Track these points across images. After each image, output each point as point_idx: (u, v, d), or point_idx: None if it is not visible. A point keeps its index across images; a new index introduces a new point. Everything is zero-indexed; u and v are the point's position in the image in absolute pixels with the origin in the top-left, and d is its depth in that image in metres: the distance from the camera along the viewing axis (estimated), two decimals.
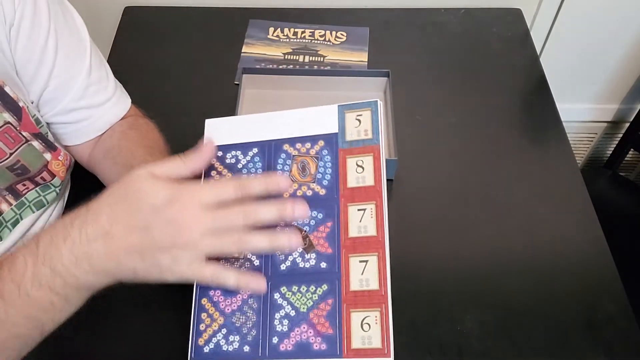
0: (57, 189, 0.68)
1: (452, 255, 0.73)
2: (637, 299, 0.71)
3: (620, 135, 1.28)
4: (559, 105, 0.91)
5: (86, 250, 0.46)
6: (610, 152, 1.30)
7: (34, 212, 0.67)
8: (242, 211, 0.46)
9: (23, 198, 0.65)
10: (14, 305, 0.46)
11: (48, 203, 0.68)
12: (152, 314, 0.68)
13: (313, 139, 0.55)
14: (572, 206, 0.78)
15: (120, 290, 0.68)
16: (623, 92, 1.29)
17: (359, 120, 0.55)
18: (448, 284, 0.71)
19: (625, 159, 1.28)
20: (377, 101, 0.55)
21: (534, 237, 0.75)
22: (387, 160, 0.77)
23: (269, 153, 0.56)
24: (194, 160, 0.50)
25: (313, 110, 0.56)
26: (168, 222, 0.45)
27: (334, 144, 0.55)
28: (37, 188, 0.66)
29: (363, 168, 0.53)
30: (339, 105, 0.56)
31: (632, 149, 1.25)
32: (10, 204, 0.64)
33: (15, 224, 0.65)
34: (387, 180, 0.79)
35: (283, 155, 0.56)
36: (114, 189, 0.48)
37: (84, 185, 0.78)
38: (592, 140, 1.41)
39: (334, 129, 0.55)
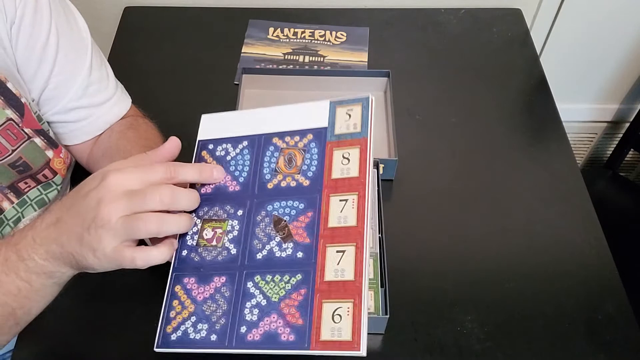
0: (59, 187, 0.68)
1: (452, 255, 0.73)
2: (637, 299, 0.71)
3: (620, 135, 1.28)
4: (559, 105, 0.91)
5: (43, 235, 0.48)
6: (610, 152, 1.30)
7: (35, 211, 0.67)
8: (158, 193, 0.46)
9: (25, 196, 0.65)
10: None
11: (50, 201, 0.68)
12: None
13: (302, 133, 0.56)
14: (572, 206, 0.78)
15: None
16: (623, 92, 1.29)
17: (349, 115, 0.55)
18: (448, 284, 0.70)
19: (625, 159, 1.28)
20: (368, 96, 0.55)
21: (534, 237, 0.75)
22: (387, 160, 0.77)
23: (258, 146, 0.56)
24: (157, 153, 0.51)
25: (306, 105, 0.57)
26: (92, 202, 0.46)
27: (322, 138, 0.55)
28: (38, 186, 0.66)
29: (349, 160, 0.53)
30: (331, 101, 0.56)
31: (632, 149, 1.25)
32: (12, 202, 0.64)
33: (16, 222, 0.65)
34: (388, 180, 0.80)
35: (271, 148, 0.56)
36: (77, 185, 0.50)
37: None
38: (592, 140, 1.41)
39: (324, 123, 0.55)
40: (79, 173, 0.78)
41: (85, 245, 0.46)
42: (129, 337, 0.66)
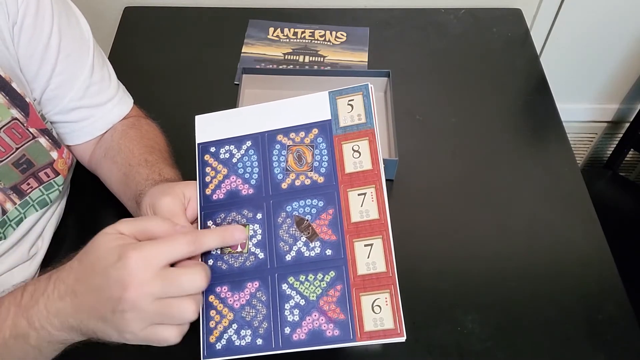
0: (60, 188, 0.68)
1: (452, 256, 0.73)
2: (638, 299, 0.71)
3: (620, 135, 1.28)
4: (559, 105, 0.91)
5: (57, 306, 0.46)
6: (610, 152, 1.30)
7: (37, 211, 0.67)
8: (194, 281, 0.45)
9: (27, 197, 0.65)
10: None
11: (51, 201, 0.68)
12: None
13: (306, 128, 0.55)
14: (573, 206, 0.78)
15: None
16: (623, 92, 1.29)
17: (351, 106, 0.55)
18: (448, 284, 0.70)
19: (625, 159, 1.28)
20: (367, 84, 0.55)
21: (534, 237, 0.75)
22: (387, 160, 0.77)
23: (263, 145, 0.56)
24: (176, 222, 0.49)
25: (304, 98, 0.56)
26: (116, 283, 0.43)
27: (328, 131, 0.55)
28: (40, 187, 0.66)
29: (360, 153, 0.53)
30: (329, 92, 0.56)
31: (632, 149, 1.25)
32: (15, 203, 0.64)
33: (19, 222, 0.65)
34: (388, 180, 0.80)
35: (277, 146, 0.55)
36: (86, 249, 0.47)
37: (84, 184, 0.78)
38: (592, 140, 1.41)
39: (326, 115, 0.55)
40: (78, 174, 0.78)
41: (110, 325, 0.45)
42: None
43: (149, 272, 0.43)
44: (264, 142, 0.56)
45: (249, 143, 0.56)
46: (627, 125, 1.26)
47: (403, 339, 0.47)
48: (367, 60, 0.98)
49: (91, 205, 0.77)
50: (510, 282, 0.71)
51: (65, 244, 0.73)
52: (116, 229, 0.46)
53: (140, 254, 0.44)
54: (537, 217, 0.77)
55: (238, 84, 0.90)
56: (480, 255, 0.73)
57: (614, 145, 1.29)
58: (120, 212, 0.71)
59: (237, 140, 0.57)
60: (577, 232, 0.76)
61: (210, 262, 0.53)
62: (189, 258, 0.48)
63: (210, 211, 0.55)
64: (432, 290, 0.70)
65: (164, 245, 0.45)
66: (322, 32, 1.03)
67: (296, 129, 0.55)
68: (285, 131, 0.56)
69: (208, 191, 0.56)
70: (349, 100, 0.55)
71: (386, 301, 0.49)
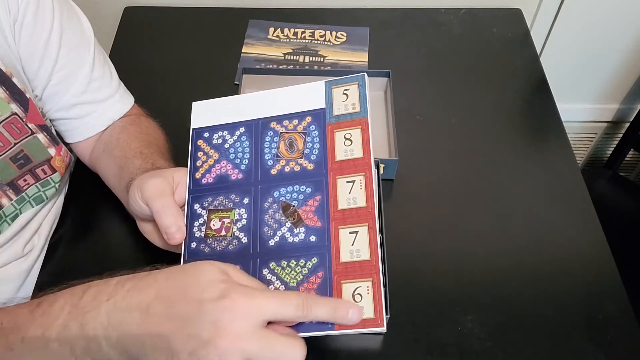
0: (57, 185, 0.69)
1: (452, 255, 0.73)
2: (638, 299, 0.71)
3: (620, 135, 1.28)
4: (559, 105, 0.91)
5: (122, 318, 0.40)
6: (610, 152, 1.30)
7: (33, 207, 0.67)
8: (290, 351, 0.40)
9: (23, 193, 0.65)
10: (32, 350, 0.42)
11: (47, 198, 0.68)
12: None
13: (300, 116, 0.56)
14: (573, 206, 0.78)
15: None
16: (623, 92, 1.29)
17: (346, 95, 0.55)
18: (448, 284, 0.70)
19: (625, 159, 1.28)
20: (364, 75, 0.55)
21: (534, 237, 0.75)
22: (387, 160, 0.77)
23: (256, 132, 0.56)
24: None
25: (300, 87, 0.57)
26: (210, 323, 0.38)
27: (321, 119, 0.55)
28: (37, 183, 0.66)
29: (351, 141, 0.53)
30: (325, 81, 0.56)
31: (632, 149, 1.25)
32: (11, 199, 0.64)
33: (14, 218, 0.65)
34: (388, 180, 0.80)
35: (270, 133, 0.56)
36: (181, 267, 0.43)
37: (82, 182, 0.78)
38: (592, 140, 1.41)
39: (321, 104, 0.55)
40: (76, 171, 0.78)
41: None
42: None
43: (251, 325, 0.39)
44: (257, 128, 0.56)
45: (242, 129, 0.57)
46: (627, 125, 1.26)
47: (383, 329, 0.46)
48: (367, 60, 0.98)
49: (89, 206, 0.77)
50: (510, 282, 0.71)
51: (63, 243, 0.73)
52: (222, 268, 0.42)
53: (248, 302, 0.39)
54: (537, 217, 0.77)
55: (238, 84, 0.90)
56: (480, 255, 0.73)
57: (614, 145, 1.29)
58: (119, 212, 0.71)
59: (231, 127, 0.57)
60: (577, 232, 0.76)
61: (193, 244, 0.53)
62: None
63: (198, 195, 0.55)
64: (432, 289, 0.70)
65: (274, 300, 0.40)
66: (322, 32, 1.03)
67: (290, 116, 0.56)
68: (279, 119, 0.56)
69: (198, 175, 0.56)
70: (344, 90, 0.55)
71: (368, 290, 0.47)
